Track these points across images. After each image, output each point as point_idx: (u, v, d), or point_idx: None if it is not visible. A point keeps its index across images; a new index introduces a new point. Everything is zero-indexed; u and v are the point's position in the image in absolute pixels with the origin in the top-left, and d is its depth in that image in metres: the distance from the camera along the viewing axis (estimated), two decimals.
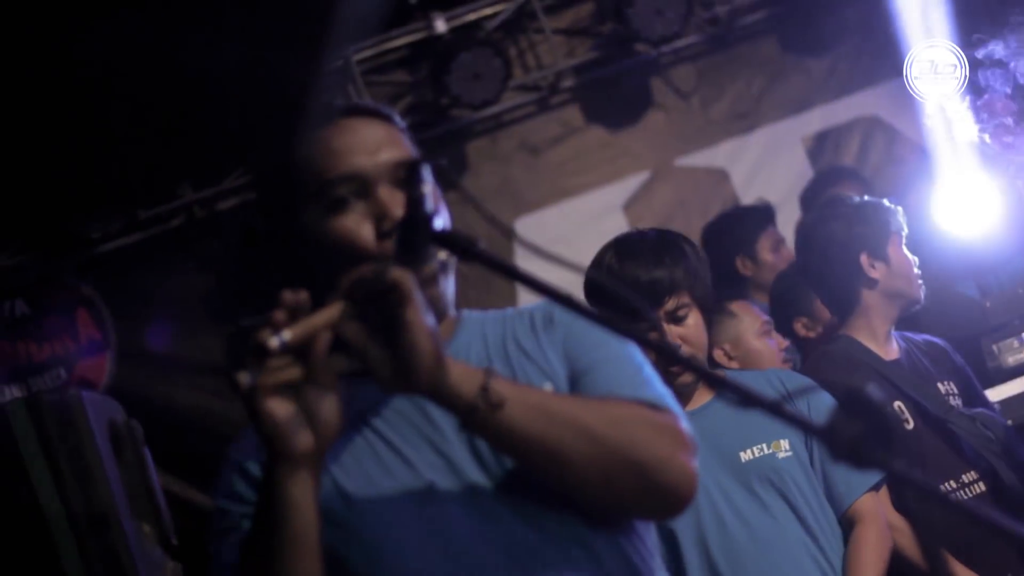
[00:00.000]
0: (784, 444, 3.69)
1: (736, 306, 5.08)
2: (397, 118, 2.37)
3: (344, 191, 2.21)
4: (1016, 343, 5.05)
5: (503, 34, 7.71)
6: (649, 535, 2.29)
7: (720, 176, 8.07)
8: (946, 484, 4.16)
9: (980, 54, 4.73)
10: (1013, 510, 4.12)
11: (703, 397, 3.74)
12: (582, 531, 2.16)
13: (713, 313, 3.77)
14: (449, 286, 2.26)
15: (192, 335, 7.15)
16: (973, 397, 4.44)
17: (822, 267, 4.44)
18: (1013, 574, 4.18)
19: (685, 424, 2.17)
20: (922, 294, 4.41)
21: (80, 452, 3.59)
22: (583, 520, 2.16)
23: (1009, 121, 5.63)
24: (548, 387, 2.22)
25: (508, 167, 7.89)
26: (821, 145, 8.14)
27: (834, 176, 7.12)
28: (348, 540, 2.13)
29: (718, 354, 4.95)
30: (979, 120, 5.18)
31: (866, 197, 4.59)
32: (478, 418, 2.00)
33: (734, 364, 4.93)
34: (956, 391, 4.36)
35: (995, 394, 4.77)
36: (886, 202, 4.49)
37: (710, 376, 1.90)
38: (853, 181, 6.88)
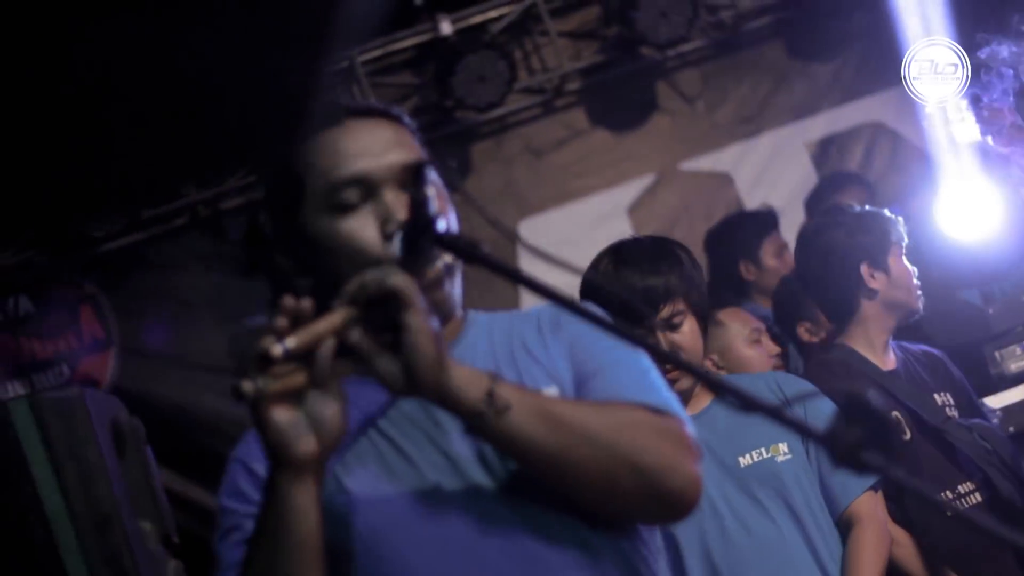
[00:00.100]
0: (783, 447, 3.69)
1: (724, 314, 5.05)
2: (406, 118, 2.36)
3: (350, 194, 2.21)
4: (1019, 350, 5.05)
5: (508, 37, 7.70)
6: (653, 539, 2.29)
7: (724, 180, 8.07)
8: (942, 495, 4.16)
9: (983, 55, 4.72)
10: (1009, 521, 4.11)
11: (701, 402, 3.74)
12: (585, 534, 2.16)
13: (707, 320, 3.77)
14: (455, 288, 2.26)
15: (195, 334, 7.15)
16: (970, 408, 4.43)
17: (821, 276, 4.44)
18: None
19: (690, 429, 2.17)
20: (920, 305, 4.40)
21: (82, 450, 3.59)
22: (586, 523, 2.16)
23: (1013, 126, 5.63)
24: (553, 390, 2.22)
25: (512, 170, 7.89)
26: (826, 151, 8.14)
27: (839, 182, 7.12)
28: (350, 538, 2.13)
29: (707, 364, 4.94)
30: (982, 124, 5.18)
31: (868, 206, 4.59)
32: (483, 422, 2.01)
33: (723, 373, 4.92)
34: (953, 402, 4.36)
35: (997, 401, 4.77)
36: (887, 212, 4.48)
37: (711, 380, 1.90)
38: (858, 187, 6.88)
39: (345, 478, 2.16)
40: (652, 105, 8.06)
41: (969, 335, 5.03)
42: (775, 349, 5.04)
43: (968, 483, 4.22)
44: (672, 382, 3.55)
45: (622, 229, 7.51)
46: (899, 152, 8.11)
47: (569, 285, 3.84)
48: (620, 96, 8.00)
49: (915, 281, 4.39)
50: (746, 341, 4.94)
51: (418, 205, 2.03)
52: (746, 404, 1.81)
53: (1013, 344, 4.92)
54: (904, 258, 4.39)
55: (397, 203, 2.17)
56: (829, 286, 4.43)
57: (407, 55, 7.66)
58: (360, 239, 2.18)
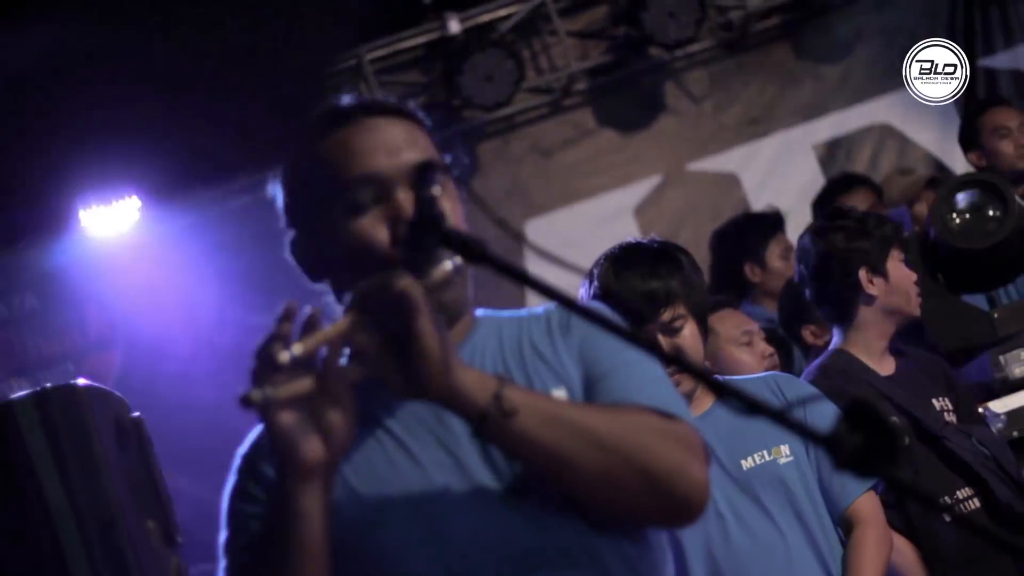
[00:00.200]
0: (784, 449, 3.68)
1: (713, 319, 5.01)
2: (421, 115, 2.34)
3: (361, 193, 2.19)
4: None
5: (516, 36, 7.71)
6: (660, 544, 2.28)
7: (731, 181, 8.08)
8: (941, 500, 4.15)
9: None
10: (1007, 527, 4.11)
11: (703, 404, 3.73)
12: (589, 538, 2.15)
13: (707, 323, 3.76)
14: (465, 288, 2.26)
15: (201, 330, 7.16)
16: (969, 412, 4.42)
17: (820, 280, 4.43)
18: None
19: (699, 433, 2.16)
20: (919, 310, 4.39)
21: (86, 448, 3.59)
22: (591, 526, 2.15)
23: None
24: (562, 391, 2.21)
25: (519, 169, 7.90)
26: (833, 152, 8.14)
27: (846, 183, 7.10)
28: (354, 535, 2.13)
29: None
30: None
31: (874, 208, 4.58)
32: (490, 426, 2.00)
33: None
34: (951, 407, 4.35)
35: (1002, 405, 4.76)
36: (888, 215, 4.47)
37: (713, 382, 1.89)
38: (865, 189, 6.87)
39: (349, 473, 2.16)
40: (660, 105, 8.07)
41: (974, 339, 5.02)
42: (768, 350, 5.01)
43: (966, 489, 4.20)
44: (675, 384, 3.55)
45: (629, 229, 7.51)
46: (906, 154, 8.11)
47: (575, 285, 3.85)
48: (628, 96, 8.00)
49: (915, 286, 4.37)
50: (736, 344, 4.92)
51: (424, 203, 2.02)
52: (750, 407, 1.80)
53: (1018, 348, 4.91)
54: (904, 263, 4.37)
55: (409, 203, 2.16)
56: (828, 291, 4.41)
57: (415, 53, 7.67)
58: (370, 239, 2.17)
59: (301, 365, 1.93)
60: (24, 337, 7.21)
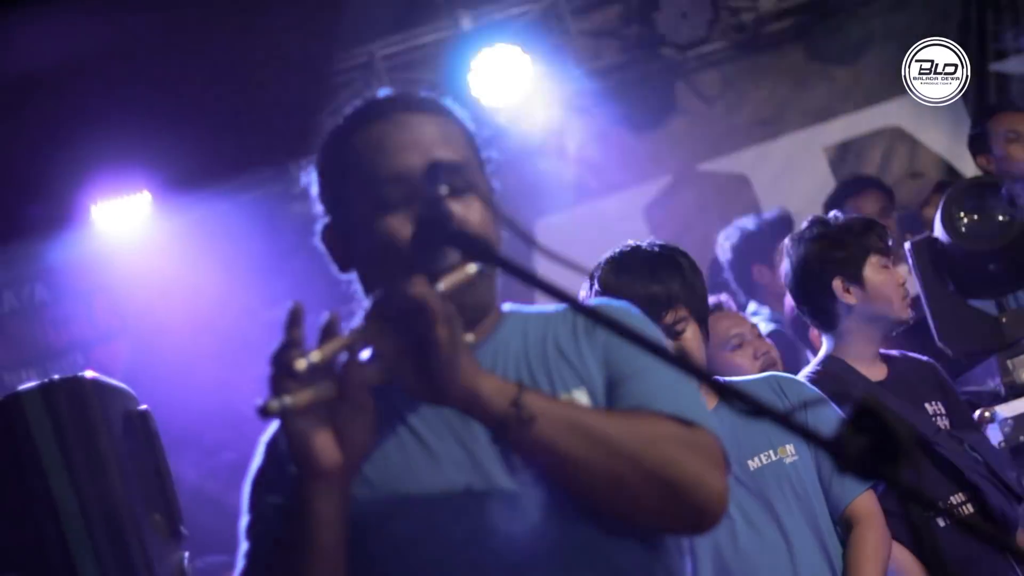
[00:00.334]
0: (789, 449, 3.69)
1: None
2: (456, 111, 2.34)
3: (391, 191, 2.20)
4: None
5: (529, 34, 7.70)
6: (677, 547, 2.28)
7: (742, 182, 8.07)
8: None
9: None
10: (1000, 532, 4.11)
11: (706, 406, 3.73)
12: (603, 540, 2.15)
13: (708, 325, 3.75)
14: (490, 289, 2.26)
15: (209, 323, 7.17)
16: (962, 417, 4.41)
17: (800, 289, 4.42)
18: None
19: (719, 441, 2.16)
20: (908, 314, 4.36)
21: (93, 440, 3.59)
22: (605, 530, 2.15)
23: None
24: (582, 392, 2.21)
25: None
26: (843, 155, 8.13)
27: (857, 186, 7.10)
28: (364, 526, 2.13)
29: None
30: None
31: (885, 211, 4.57)
32: (509, 432, 2.01)
33: None
34: (944, 411, 4.33)
35: (1009, 410, 4.75)
36: (869, 220, 4.47)
37: (716, 384, 1.89)
38: (875, 192, 6.86)
39: (367, 467, 2.16)
40: (671, 106, 8.06)
41: (981, 344, 5.02)
42: (763, 348, 4.98)
43: (959, 494, 4.20)
44: None
45: (639, 229, 7.51)
46: (916, 158, 8.09)
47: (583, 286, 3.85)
48: (639, 96, 8.00)
49: (901, 289, 4.34)
50: (727, 347, 4.90)
51: (428, 205, 2.02)
52: (754, 409, 1.80)
53: None
54: (887, 267, 4.33)
55: None
56: (808, 300, 4.41)
57: (427, 51, 7.66)
58: (396, 238, 2.17)
59: (319, 371, 1.93)
60: (33, 328, 7.22)
